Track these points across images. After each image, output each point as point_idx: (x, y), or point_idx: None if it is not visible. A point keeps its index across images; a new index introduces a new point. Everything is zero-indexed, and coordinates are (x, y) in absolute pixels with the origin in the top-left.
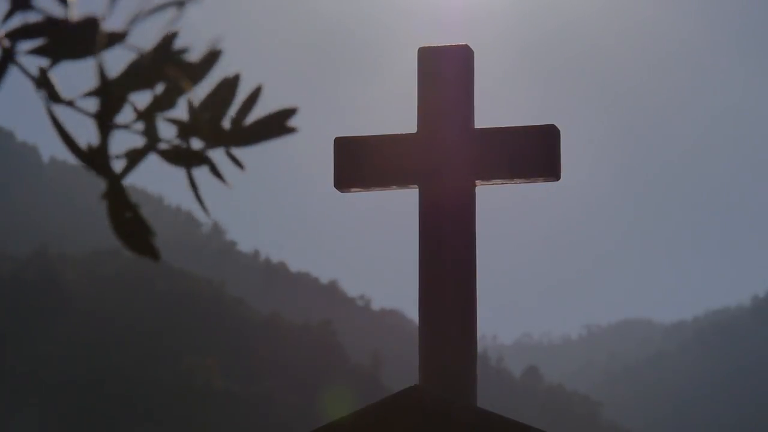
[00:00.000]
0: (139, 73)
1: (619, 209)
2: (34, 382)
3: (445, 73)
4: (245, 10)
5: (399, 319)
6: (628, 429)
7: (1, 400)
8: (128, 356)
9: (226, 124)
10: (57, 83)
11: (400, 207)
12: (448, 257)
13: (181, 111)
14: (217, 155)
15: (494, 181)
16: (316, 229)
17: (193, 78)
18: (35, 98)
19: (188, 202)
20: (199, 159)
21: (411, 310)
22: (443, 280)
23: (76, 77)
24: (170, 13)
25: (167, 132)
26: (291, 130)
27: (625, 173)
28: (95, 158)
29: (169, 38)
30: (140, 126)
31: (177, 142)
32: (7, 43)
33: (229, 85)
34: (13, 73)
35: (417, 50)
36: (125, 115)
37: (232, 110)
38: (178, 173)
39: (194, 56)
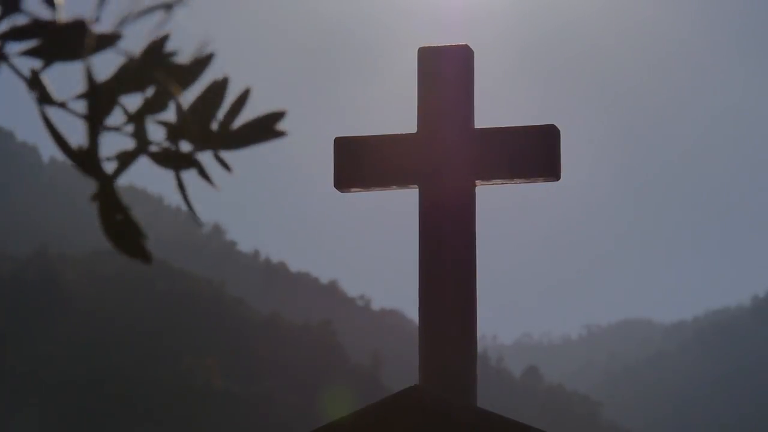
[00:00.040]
0: (130, 76)
1: (619, 209)
2: (34, 382)
3: (445, 73)
4: (245, 11)
5: (399, 319)
6: (628, 429)
7: (1, 400)
8: (128, 356)
9: (215, 127)
10: (49, 85)
11: (400, 207)
12: (448, 257)
13: (171, 114)
14: (206, 158)
15: (494, 181)
16: (316, 229)
17: (185, 81)
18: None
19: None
20: (188, 161)
21: (411, 310)
22: (443, 280)
23: (70, 79)
24: (158, 15)
25: (158, 134)
26: (280, 134)
27: (625, 173)
28: (86, 159)
29: (160, 41)
30: (130, 128)
31: (166, 144)
32: None
33: (218, 88)
34: (12, 74)
35: (417, 50)
36: (116, 118)
37: (221, 113)
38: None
39: (186, 59)
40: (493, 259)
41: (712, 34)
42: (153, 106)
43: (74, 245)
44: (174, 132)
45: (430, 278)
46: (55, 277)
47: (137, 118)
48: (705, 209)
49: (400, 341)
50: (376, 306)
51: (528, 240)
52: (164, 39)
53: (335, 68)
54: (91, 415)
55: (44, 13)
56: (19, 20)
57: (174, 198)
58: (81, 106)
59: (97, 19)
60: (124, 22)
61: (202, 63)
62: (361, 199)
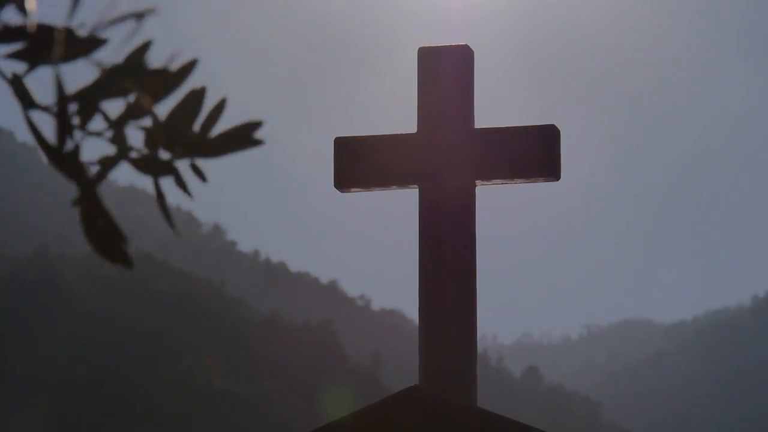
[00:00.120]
0: (110, 83)
1: (619, 209)
2: (34, 382)
3: (445, 73)
4: (245, 11)
5: (399, 319)
6: (628, 429)
7: (1, 400)
8: (128, 356)
9: (193, 135)
10: (31, 88)
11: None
12: (448, 257)
13: (157, 119)
14: (183, 166)
15: (494, 181)
16: (316, 229)
17: (167, 87)
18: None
19: (188, 202)
20: (167, 169)
21: (411, 310)
22: (443, 280)
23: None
24: (130, 24)
25: (139, 141)
26: (258, 142)
27: (625, 173)
28: (69, 164)
29: (141, 48)
30: (111, 134)
31: (146, 151)
32: None
33: (196, 97)
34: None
35: (417, 50)
36: (99, 123)
37: (199, 121)
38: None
39: (171, 65)
40: (493, 259)
41: (712, 34)
42: (134, 112)
43: (74, 245)
44: (151, 139)
45: (430, 278)
46: (55, 277)
47: (117, 125)
48: (705, 209)
49: (400, 341)
50: (376, 306)
51: (528, 240)
52: (146, 46)
53: (335, 68)
54: (91, 415)
55: (16, 20)
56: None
57: (174, 198)
58: (68, 110)
59: (69, 27)
60: (96, 30)
61: (186, 69)
62: (361, 199)
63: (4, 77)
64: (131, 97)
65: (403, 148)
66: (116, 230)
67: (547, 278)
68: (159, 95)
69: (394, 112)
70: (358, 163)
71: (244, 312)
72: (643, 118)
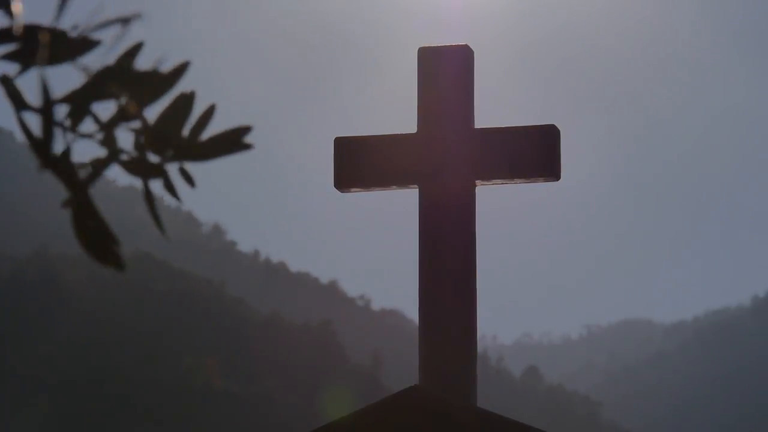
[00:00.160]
0: (100, 85)
1: (619, 209)
2: (34, 382)
3: (445, 73)
4: (245, 10)
5: (399, 319)
6: (628, 429)
7: (1, 400)
8: (128, 356)
9: (182, 139)
10: (22, 90)
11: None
12: (448, 257)
13: (147, 122)
14: (172, 170)
15: (494, 181)
16: (316, 229)
17: (157, 90)
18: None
19: (188, 202)
20: (157, 172)
21: (411, 310)
22: (443, 280)
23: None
24: (115, 29)
25: (129, 143)
26: (247, 147)
27: (625, 173)
28: (61, 166)
29: (132, 51)
30: (100, 136)
31: (135, 154)
32: None
33: (185, 101)
34: None
35: (417, 50)
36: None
37: (188, 126)
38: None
39: (163, 68)
40: (493, 259)
41: (712, 34)
42: (125, 115)
43: (74, 245)
44: (141, 143)
45: (430, 278)
46: (55, 277)
47: (108, 127)
48: (705, 209)
49: (400, 341)
50: (376, 306)
51: (528, 240)
52: (137, 48)
53: (335, 68)
54: (91, 415)
55: (3, 22)
56: None
57: (174, 198)
58: (58, 112)
59: (57, 29)
60: (83, 33)
61: (177, 72)
62: (361, 199)
63: None
64: (122, 100)
65: (403, 148)
66: (108, 232)
67: (547, 278)
68: (150, 98)
69: (394, 112)
70: (358, 163)
71: (244, 312)
72: (643, 118)
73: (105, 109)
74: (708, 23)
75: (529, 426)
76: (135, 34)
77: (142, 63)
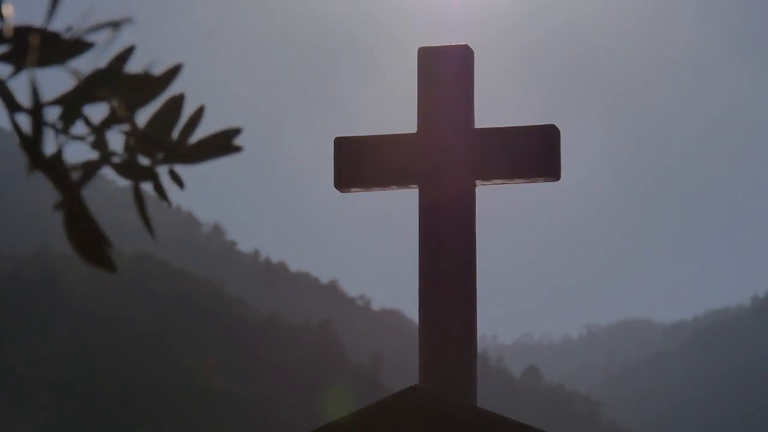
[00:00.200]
0: (91, 88)
1: (619, 209)
2: (34, 382)
3: (445, 73)
4: (246, 10)
5: (399, 319)
6: (628, 429)
7: (1, 400)
8: (128, 356)
9: (171, 141)
10: (15, 91)
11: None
12: (448, 257)
13: (137, 125)
14: (161, 172)
15: (494, 181)
16: (316, 229)
17: (152, 92)
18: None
19: (188, 202)
20: (148, 174)
21: (411, 310)
22: (443, 280)
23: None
24: (106, 32)
25: (119, 146)
26: (236, 149)
27: (625, 173)
28: (53, 168)
29: (124, 54)
30: (91, 139)
31: (126, 156)
32: None
33: (175, 104)
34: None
35: (417, 50)
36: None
37: (178, 129)
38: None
39: (156, 70)
40: (493, 259)
41: (712, 34)
42: (116, 118)
43: None
44: (130, 145)
45: (430, 278)
46: (55, 277)
47: (99, 130)
48: (705, 209)
49: (400, 341)
50: (376, 306)
51: (528, 240)
52: (129, 51)
53: (335, 68)
54: (91, 415)
55: None
56: None
57: (174, 198)
58: (50, 114)
59: (49, 31)
60: (74, 36)
61: (169, 74)
62: (361, 199)
63: None
64: (114, 103)
65: (403, 148)
66: (100, 234)
67: (547, 278)
68: (142, 101)
69: (394, 112)
70: (358, 163)
71: (244, 312)
72: (643, 118)
73: (97, 111)
74: (708, 23)
75: (529, 426)
76: (133, 34)
77: (141, 64)
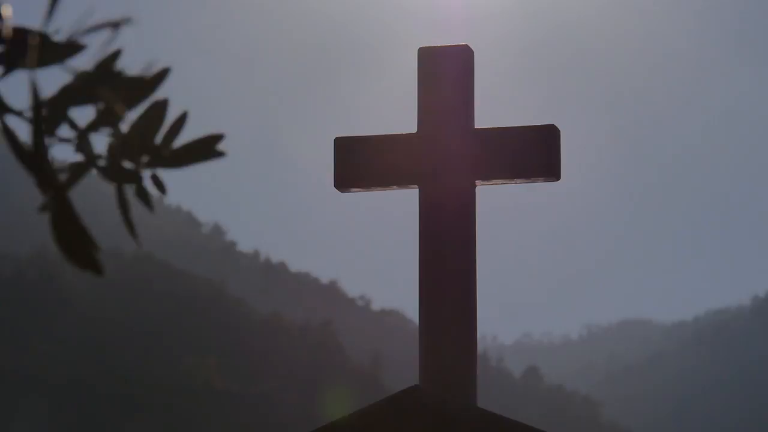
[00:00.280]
0: (79, 90)
1: (619, 209)
2: (33, 382)
3: (445, 73)
4: (245, 10)
5: (399, 319)
6: (629, 429)
7: (1, 400)
8: (128, 356)
9: (155, 146)
10: (3, 93)
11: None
12: (448, 257)
13: (121, 129)
14: (144, 177)
15: (494, 181)
16: (316, 229)
17: (138, 95)
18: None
19: (188, 202)
20: (133, 178)
21: (411, 310)
22: (443, 280)
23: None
24: (106, 33)
25: (104, 149)
26: (219, 154)
27: (625, 173)
28: (41, 169)
29: (112, 56)
30: (76, 141)
31: (110, 160)
32: None
33: (158, 109)
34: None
35: (417, 50)
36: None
37: (161, 134)
38: (179, 173)
39: (142, 73)
40: (493, 259)
41: (712, 33)
42: (103, 120)
43: None
44: (114, 149)
45: (430, 278)
46: (55, 277)
47: (84, 132)
48: (705, 209)
49: (400, 341)
50: (376, 306)
51: (528, 240)
52: (116, 54)
53: (335, 68)
54: (91, 415)
55: None
56: None
57: (174, 198)
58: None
59: (45, 32)
60: (72, 37)
61: (157, 78)
62: (361, 199)
63: None
64: (100, 105)
65: (403, 148)
66: (87, 237)
67: (547, 278)
68: (128, 104)
69: (394, 112)
70: (358, 163)
71: (244, 312)
72: (643, 118)
73: (83, 114)
74: (708, 23)
75: (529, 426)
76: (133, 35)
77: (139, 65)
